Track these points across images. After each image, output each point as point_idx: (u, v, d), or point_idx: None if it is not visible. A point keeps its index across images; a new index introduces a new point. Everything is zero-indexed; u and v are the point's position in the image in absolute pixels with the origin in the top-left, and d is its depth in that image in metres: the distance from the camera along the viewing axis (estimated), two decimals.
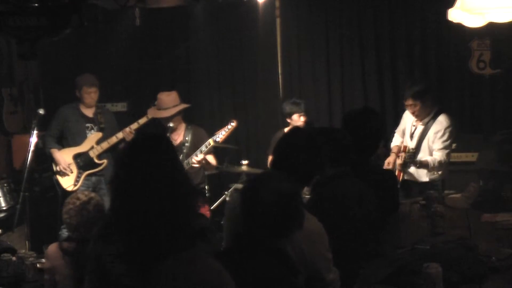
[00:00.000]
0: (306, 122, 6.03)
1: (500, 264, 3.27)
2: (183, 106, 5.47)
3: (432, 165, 5.12)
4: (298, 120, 6.03)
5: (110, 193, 2.70)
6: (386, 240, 3.51)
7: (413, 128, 5.39)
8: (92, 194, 3.73)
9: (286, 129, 6.07)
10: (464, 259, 3.19)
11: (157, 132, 3.27)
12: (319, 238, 2.76)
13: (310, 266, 2.71)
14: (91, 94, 5.94)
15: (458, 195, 4.86)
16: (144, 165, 2.56)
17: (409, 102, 5.25)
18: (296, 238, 2.63)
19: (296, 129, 3.09)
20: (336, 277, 2.83)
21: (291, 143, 2.94)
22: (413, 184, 5.32)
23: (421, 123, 5.32)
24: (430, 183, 5.20)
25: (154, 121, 5.79)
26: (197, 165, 5.24)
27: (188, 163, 5.25)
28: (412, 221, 4.31)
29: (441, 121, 5.25)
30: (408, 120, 5.48)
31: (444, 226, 3.97)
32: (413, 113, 5.30)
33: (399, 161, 5.20)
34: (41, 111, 5.66)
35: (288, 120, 6.06)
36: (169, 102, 5.44)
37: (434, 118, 5.28)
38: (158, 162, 2.58)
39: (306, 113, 6.12)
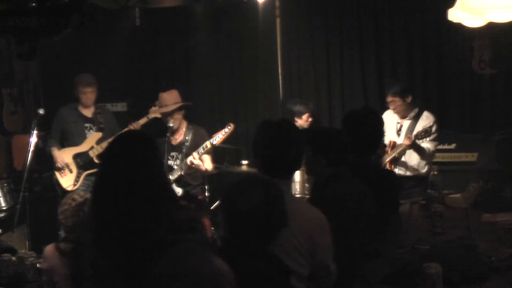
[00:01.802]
0: (312, 122, 6.03)
1: (500, 264, 3.27)
2: (183, 103, 5.49)
3: (427, 152, 5.18)
4: (306, 119, 6.04)
5: (93, 186, 2.71)
6: (386, 240, 3.51)
7: (399, 125, 5.45)
8: (88, 195, 3.74)
9: None
10: (464, 259, 3.19)
11: (141, 132, 3.27)
12: (325, 228, 2.79)
13: (317, 255, 2.73)
14: (87, 94, 5.92)
15: (458, 195, 4.86)
16: (118, 161, 2.57)
17: (389, 98, 5.36)
18: (305, 228, 2.67)
19: (268, 123, 3.05)
20: (335, 268, 2.85)
21: (265, 138, 2.92)
22: (403, 179, 5.29)
23: (407, 118, 5.38)
24: (432, 183, 5.20)
25: (155, 122, 5.79)
26: (194, 165, 5.24)
27: (186, 164, 5.26)
28: (412, 221, 4.31)
29: (427, 116, 5.33)
30: (390, 120, 5.49)
31: (444, 226, 3.98)
32: (394, 109, 5.39)
33: (407, 142, 5.16)
34: (41, 111, 5.67)
35: (297, 119, 6.06)
36: (170, 100, 5.45)
37: (419, 114, 5.34)
38: (133, 160, 2.58)
39: (313, 113, 6.10)
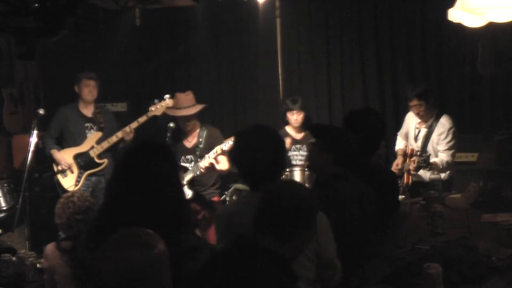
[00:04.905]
0: (304, 118, 6.00)
1: (500, 264, 3.27)
2: (201, 106, 5.48)
3: (441, 166, 5.17)
4: (292, 117, 6.00)
5: (104, 195, 2.71)
6: (386, 240, 3.51)
7: (417, 130, 5.44)
8: (76, 189, 3.80)
9: (286, 127, 6.07)
10: (464, 259, 3.19)
11: (159, 142, 3.28)
12: (327, 226, 2.80)
13: (324, 255, 2.74)
14: (90, 87, 5.91)
15: (458, 195, 4.86)
16: (137, 172, 2.57)
17: (414, 102, 5.28)
18: None
19: (243, 131, 3.02)
20: (341, 266, 2.85)
21: (258, 143, 2.87)
22: (419, 184, 5.33)
23: (424, 125, 5.36)
24: (432, 183, 5.20)
25: (154, 120, 5.78)
26: (204, 171, 5.25)
27: (198, 167, 5.25)
28: (412, 221, 4.31)
29: (443, 123, 5.30)
30: (411, 123, 5.51)
31: (444, 226, 3.97)
32: (417, 114, 5.34)
33: (412, 166, 5.21)
34: (41, 111, 5.67)
35: (289, 115, 6.04)
36: (187, 102, 5.43)
37: (437, 120, 5.32)
38: (152, 171, 2.58)
39: (304, 110, 6.04)
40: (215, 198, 5.59)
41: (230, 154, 2.97)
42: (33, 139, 5.54)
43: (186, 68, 7.36)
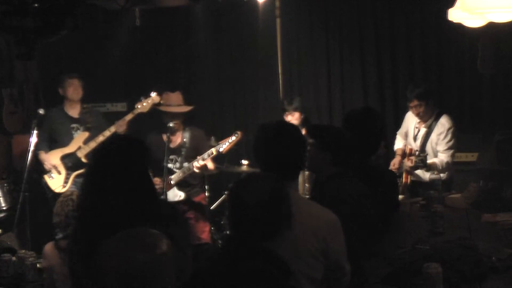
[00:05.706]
0: (302, 118, 5.97)
1: (500, 264, 3.27)
2: (190, 107, 5.50)
3: (440, 167, 5.18)
4: (287, 118, 5.98)
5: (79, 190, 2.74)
6: (386, 240, 3.51)
7: (416, 130, 5.44)
8: (73, 189, 3.82)
9: None
10: (464, 259, 3.19)
11: (130, 136, 3.27)
12: (338, 228, 2.78)
13: (332, 256, 2.73)
14: (74, 86, 5.87)
15: (458, 195, 4.86)
16: (107, 166, 2.59)
17: (414, 103, 5.29)
18: (317, 229, 2.66)
19: (268, 125, 3.02)
20: (350, 269, 2.85)
21: (280, 139, 2.88)
22: (418, 184, 5.33)
23: (424, 125, 5.36)
24: (432, 183, 5.20)
25: (145, 117, 5.79)
26: (197, 171, 5.27)
27: (189, 167, 5.25)
28: (412, 221, 4.31)
29: (443, 123, 5.30)
30: (410, 123, 5.51)
31: (444, 226, 3.97)
32: (417, 115, 5.35)
33: (409, 164, 5.21)
34: (41, 111, 5.67)
35: (284, 116, 6.02)
36: (175, 101, 5.47)
37: (436, 120, 5.32)
38: (122, 165, 2.59)
39: (302, 109, 6.02)
40: (200, 197, 5.62)
41: (253, 147, 2.94)
42: (33, 139, 5.54)
43: (186, 68, 7.36)
